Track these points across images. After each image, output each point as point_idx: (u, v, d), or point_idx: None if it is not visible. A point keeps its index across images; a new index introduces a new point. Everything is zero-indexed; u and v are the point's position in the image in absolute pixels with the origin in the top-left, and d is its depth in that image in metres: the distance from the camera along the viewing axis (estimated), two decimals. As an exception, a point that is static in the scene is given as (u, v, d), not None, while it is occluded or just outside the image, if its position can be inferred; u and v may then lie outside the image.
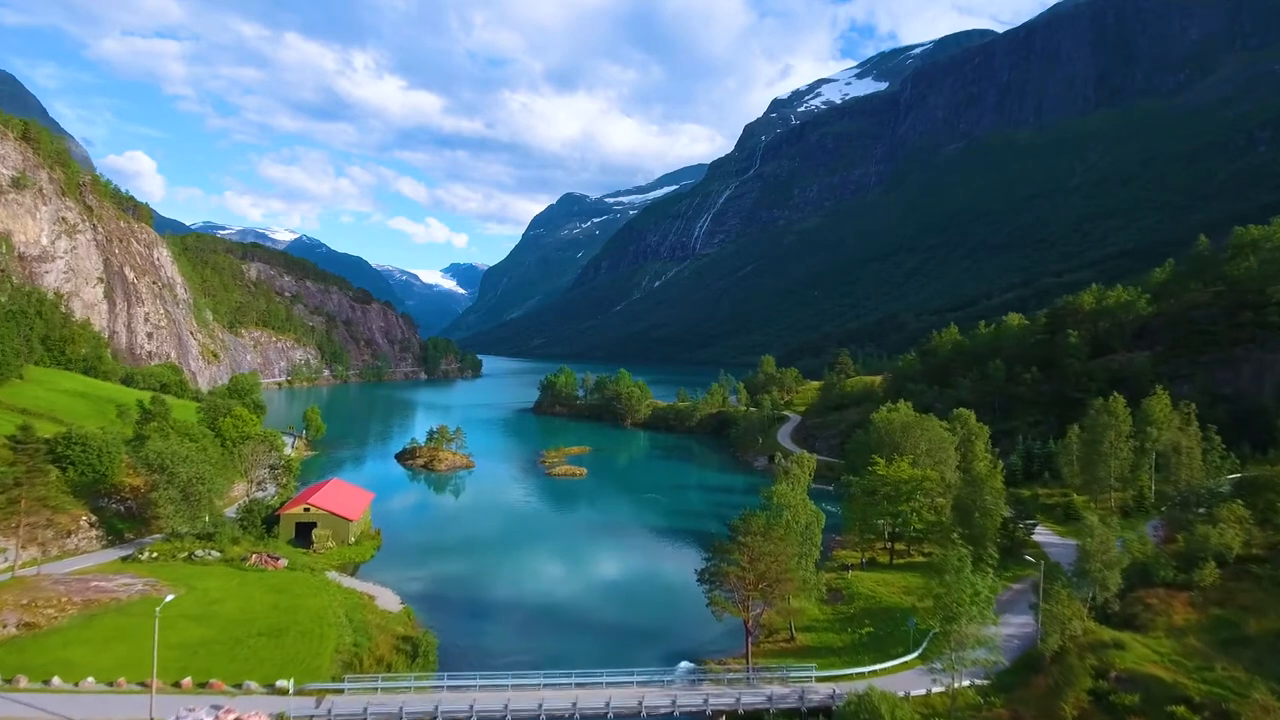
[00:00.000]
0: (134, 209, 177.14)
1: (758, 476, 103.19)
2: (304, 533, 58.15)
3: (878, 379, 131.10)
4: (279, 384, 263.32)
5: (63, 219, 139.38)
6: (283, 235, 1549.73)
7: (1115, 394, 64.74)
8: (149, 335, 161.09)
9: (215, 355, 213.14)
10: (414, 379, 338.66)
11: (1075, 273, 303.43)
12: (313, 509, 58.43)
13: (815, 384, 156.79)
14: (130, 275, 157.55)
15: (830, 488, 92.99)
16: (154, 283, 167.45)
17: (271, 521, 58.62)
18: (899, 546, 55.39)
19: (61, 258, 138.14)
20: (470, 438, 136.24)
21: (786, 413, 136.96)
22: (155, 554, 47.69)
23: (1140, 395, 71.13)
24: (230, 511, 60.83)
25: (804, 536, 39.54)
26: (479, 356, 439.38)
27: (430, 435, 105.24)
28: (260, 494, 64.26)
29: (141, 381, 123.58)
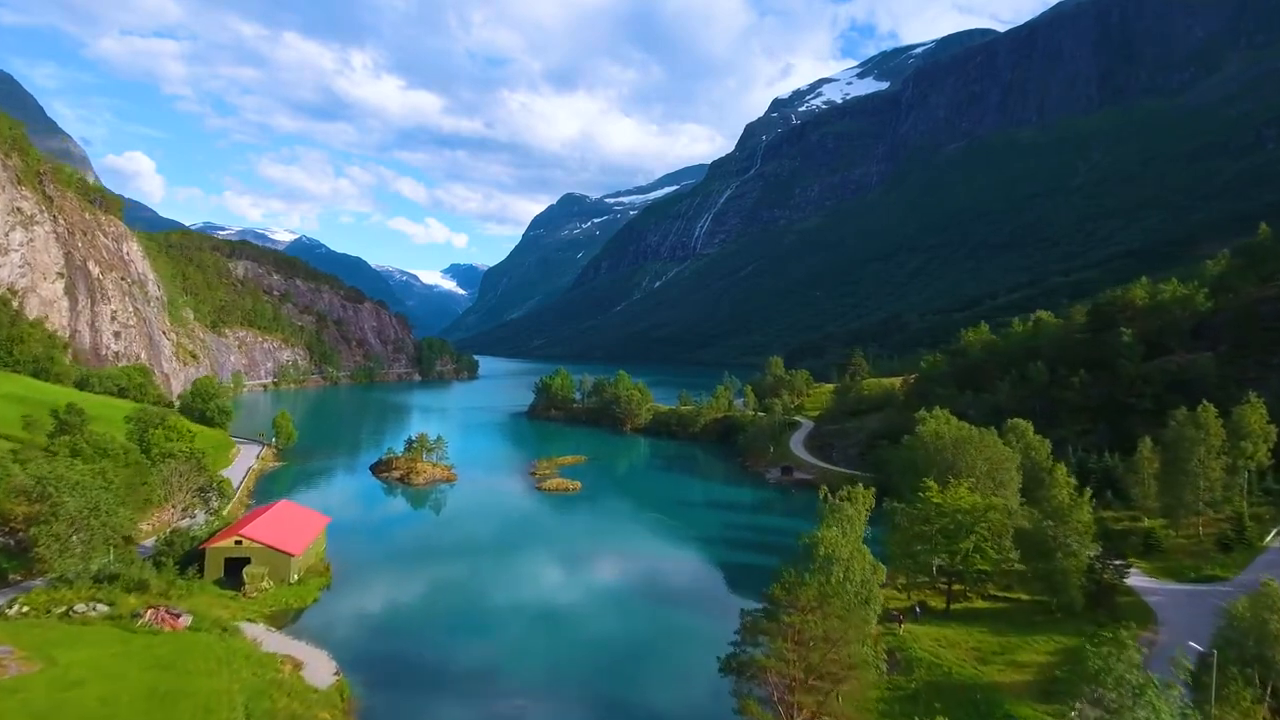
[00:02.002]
0: (101, 200, 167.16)
1: (770, 491, 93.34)
2: (236, 570, 48.25)
3: (897, 381, 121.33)
4: (265, 386, 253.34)
5: (18, 209, 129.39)
6: (283, 235, 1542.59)
7: (1204, 403, 55.09)
8: (116, 335, 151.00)
9: (194, 356, 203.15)
10: (408, 380, 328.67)
11: (1080, 272, 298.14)
12: (246, 541, 48.47)
13: (827, 387, 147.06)
14: (95, 270, 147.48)
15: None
16: (122, 279, 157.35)
17: (196, 557, 48.69)
18: (956, 587, 45.48)
19: (16, 251, 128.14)
20: (457, 444, 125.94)
21: (798, 418, 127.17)
22: (26, 608, 37.78)
23: (1204, 401, 62.02)
24: (147, 545, 50.92)
25: (860, 598, 29.76)
26: (477, 357, 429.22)
27: (408, 444, 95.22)
28: (189, 522, 54.31)
29: (98, 385, 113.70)
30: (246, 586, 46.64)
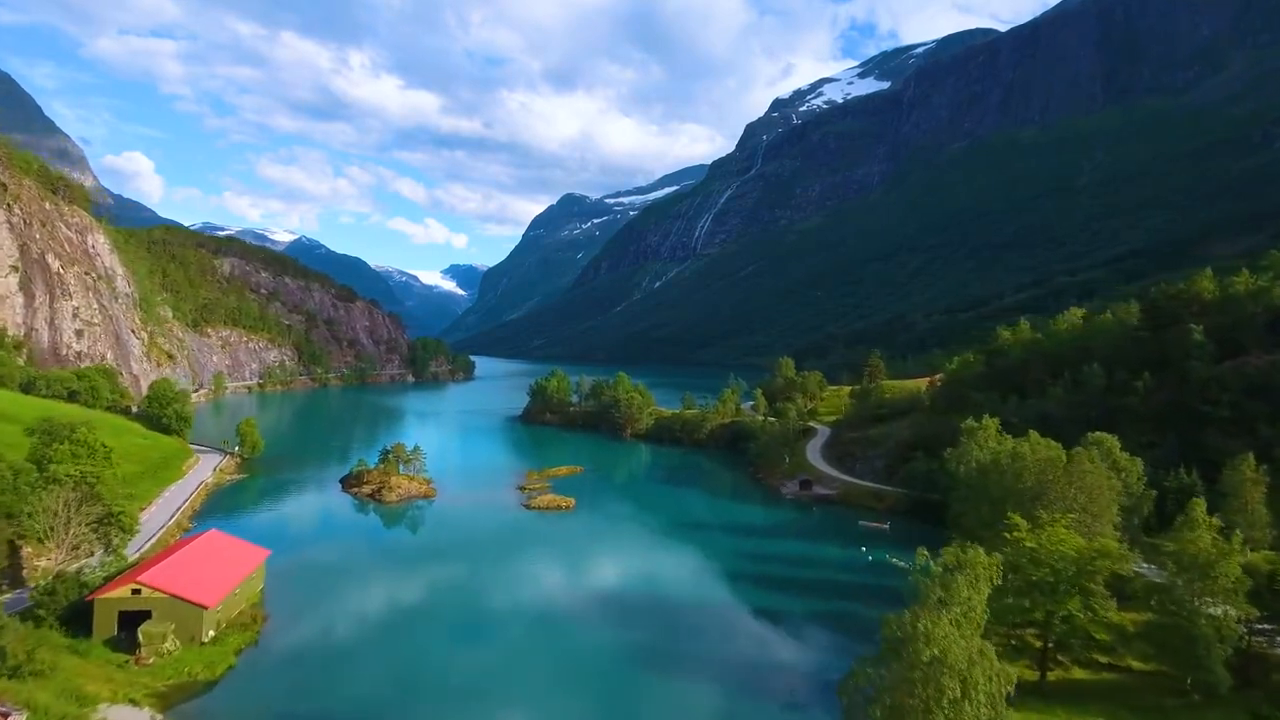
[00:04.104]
0: (65, 189, 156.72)
1: (787, 508, 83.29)
2: (136, 625, 38.09)
3: (922, 383, 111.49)
4: (249, 387, 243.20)
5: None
6: (282, 236, 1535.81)
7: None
8: (78, 333, 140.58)
9: (170, 356, 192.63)
10: (401, 382, 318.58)
11: (1088, 272, 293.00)
12: (145, 590, 38.30)
13: (840, 389, 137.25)
14: (55, 264, 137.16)
15: (885, 525, 73.56)
16: (86, 273, 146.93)
17: (83, 611, 38.48)
18: (1051, 650, 35.35)
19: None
20: (442, 453, 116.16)
21: (812, 423, 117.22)
22: None
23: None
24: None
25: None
26: (477, 358, 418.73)
27: (383, 455, 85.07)
28: (90, 562, 43.96)
29: (45, 388, 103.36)
30: (142, 650, 36.49)
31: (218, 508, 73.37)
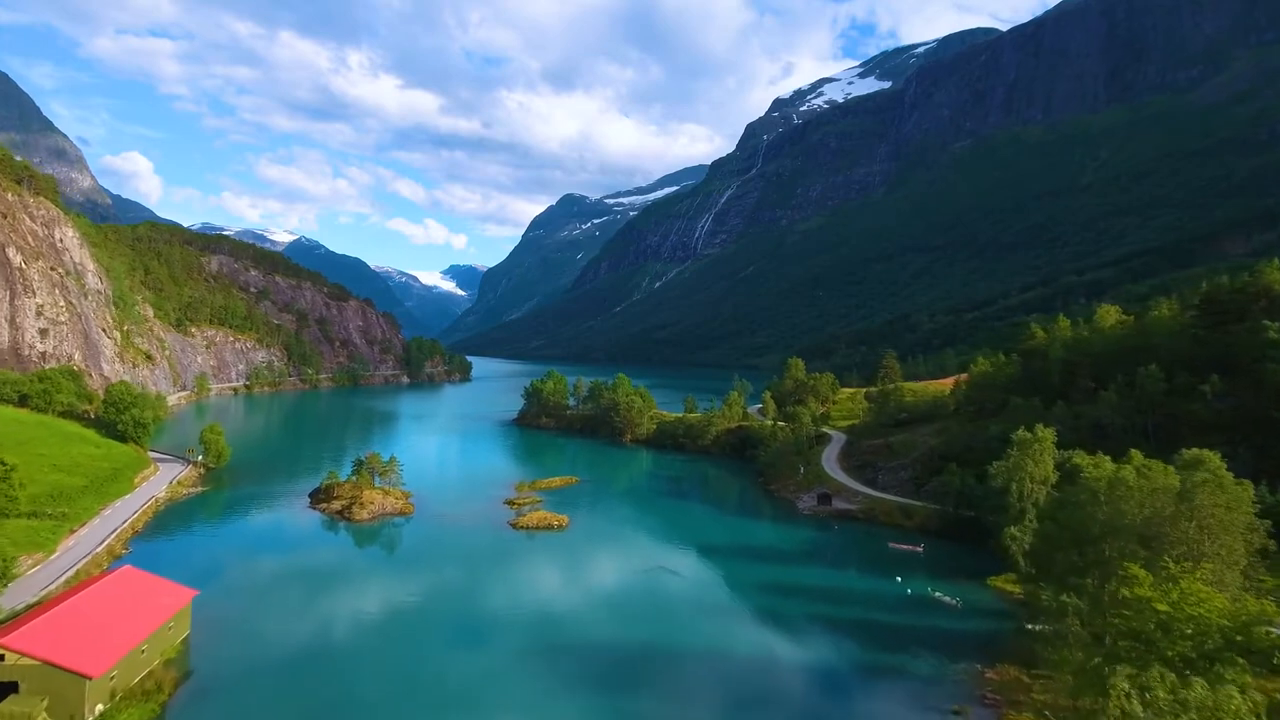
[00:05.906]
0: (31, 179, 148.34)
1: (804, 525, 74.94)
2: (2, 698, 29.85)
3: (945, 385, 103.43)
4: (235, 389, 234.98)
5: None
6: (281, 236, 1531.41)
7: None
8: (42, 332, 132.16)
9: (148, 357, 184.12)
10: (394, 383, 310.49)
11: (1095, 271, 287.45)
12: (9, 655, 30.02)
13: (855, 391, 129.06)
14: (17, 259, 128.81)
15: (919, 548, 65.37)
16: (53, 269, 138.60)
17: (-69, 680, 30.29)
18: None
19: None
20: (428, 461, 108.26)
21: (825, 429, 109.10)
22: None
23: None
24: None
25: None
26: (476, 358, 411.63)
27: (356, 466, 76.78)
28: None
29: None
30: (0, 735, 28.30)
31: (163, 528, 65.04)
